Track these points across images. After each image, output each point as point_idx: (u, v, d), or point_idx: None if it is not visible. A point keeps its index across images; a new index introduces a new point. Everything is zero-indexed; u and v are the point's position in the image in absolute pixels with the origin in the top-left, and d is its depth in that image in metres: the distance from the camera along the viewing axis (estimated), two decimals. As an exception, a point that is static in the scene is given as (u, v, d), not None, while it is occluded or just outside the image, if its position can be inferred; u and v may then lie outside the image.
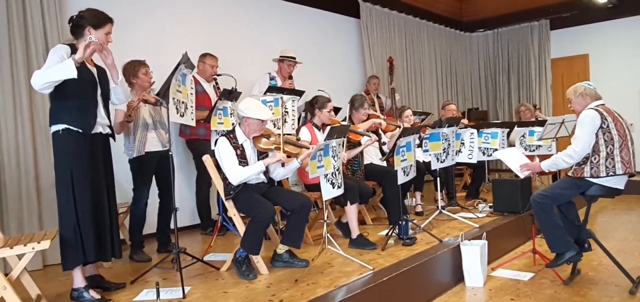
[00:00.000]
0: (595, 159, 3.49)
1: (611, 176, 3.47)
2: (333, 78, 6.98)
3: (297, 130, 4.54)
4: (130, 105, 3.83)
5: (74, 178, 2.99)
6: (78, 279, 3.08)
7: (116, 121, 3.92)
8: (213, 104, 4.43)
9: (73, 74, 2.79)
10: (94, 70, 3.15)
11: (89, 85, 3.08)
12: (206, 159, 3.71)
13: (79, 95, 3.00)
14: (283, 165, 3.70)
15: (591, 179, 3.52)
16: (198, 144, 4.81)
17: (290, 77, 5.50)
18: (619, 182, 3.55)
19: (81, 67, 2.89)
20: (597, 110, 3.52)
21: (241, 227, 3.61)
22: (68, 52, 2.96)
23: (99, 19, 3.09)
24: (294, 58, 5.52)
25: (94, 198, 3.06)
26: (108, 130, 3.23)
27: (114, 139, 3.33)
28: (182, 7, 5.38)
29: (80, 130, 3.01)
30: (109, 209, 3.20)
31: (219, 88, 4.95)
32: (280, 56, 5.53)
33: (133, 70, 4.00)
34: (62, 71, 2.80)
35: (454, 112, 6.51)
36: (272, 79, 5.38)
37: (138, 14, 4.97)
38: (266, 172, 3.74)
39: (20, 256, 2.91)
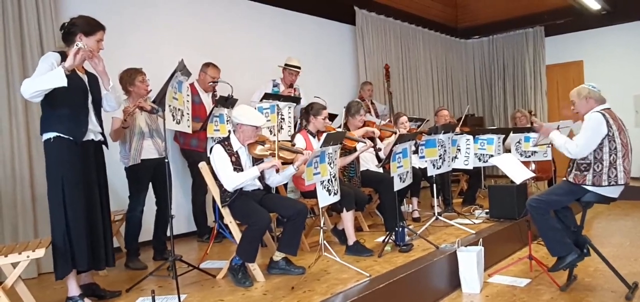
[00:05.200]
0: (598, 167, 3.48)
1: (613, 185, 3.47)
2: (329, 84, 6.98)
3: (292, 137, 4.54)
4: (126, 110, 3.82)
5: (66, 186, 2.96)
6: (73, 287, 3.06)
7: (112, 129, 3.91)
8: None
9: (63, 82, 2.75)
10: (85, 78, 3.12)
11: (80, 93, 3.05)
12: (202, 166, 3.71)
13: (69, 103, 2.97)
14: (278, 171, 3.69)
15: (589, 187, 3.53)
16: (191, 152, 4.81)
17: (291, 86, 5.45)
18: (614, 191, 3.55)
19: (71, 74, 2.85)
20: (604, 116, 3.48)
21: (237, 235, 3.60)
22: (58, 60, 2.92)
23: (91, 26, 3.07)
24: (298, 67, 5.49)
25: (87, 206, 3.03)
26: (100, 137, 3.20)
27: (107, 146, 3.31)
28: (180, 15, 5.38)
29: (72, 138, 2.99)
30: (102, 218, 3.17)
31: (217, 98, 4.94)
32: (285, 64, 5.50)
33: (130, 78, 3.99)
34: (51, 80, 2.77)
35: (447, 117, 6.52)
36: (275, 86, 5.34)
37: (135, 22, 4.97)
38: (262, 179, 3.74)
39: (14, 265, 2.90)
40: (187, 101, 3.75)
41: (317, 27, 7.08)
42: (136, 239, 4.11)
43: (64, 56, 2.95)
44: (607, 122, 3.46)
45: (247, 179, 3.57)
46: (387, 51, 8.11)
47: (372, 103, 6.91)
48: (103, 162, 3.26)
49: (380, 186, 4.84)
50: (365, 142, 4.67)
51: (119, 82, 3.99)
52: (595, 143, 3.46)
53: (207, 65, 4.94)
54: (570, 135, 4.00)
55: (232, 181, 3.52)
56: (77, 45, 2.86)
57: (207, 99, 4.93)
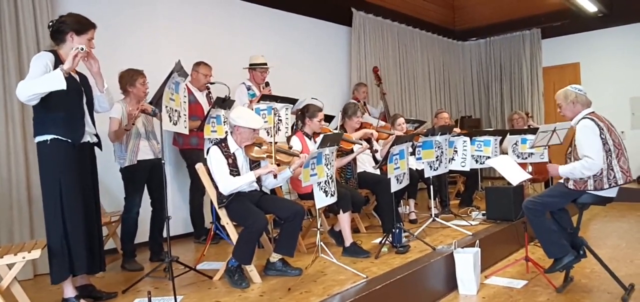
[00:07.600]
0: (599, 172, 3.48)
1: (613, 187, 3.48)
2: (325, 86, 6.99)
3: (288, 139, 4.54)
4: (131, 115, 3.82)
5: (63, 189, 2.91)
6: (68, 289, 3.05)
7: (111, 130, 3.90)
8: (205, 113, 4.42)
9: (62, 85, 2.71)
10: (78, 78, 3.08)
11: (76, 95, 3.00)
12: (199, 167, 3.70)
13: (66, 105, 2.92)
14: (275, 177, 3.69)
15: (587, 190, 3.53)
16: (191, 152, 4.79)
17: (267, 84, 5.23)
18: (612, 191, 3.56)
19: (67, 76, 2.80)
20: (592, 119, 3.51)
21: (234, 236, 3.60)
22: (52, 60, 2.87)
23: (82, 25, 2.99)
24: (265, 64, 5.25)
25: (84, 210, 3.00)
26: (95, 139, 3.17)
27: (100, 147, 3.27)
28: (176, 16, 5.38)
29: (69, 141, 2.94)
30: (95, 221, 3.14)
31: (211, 97, 4.94)
32: (250, 64, 5.27)
33: (131, 79, 3.98)
34: (50, 83, 2.72)
35: (447, 120, 6.54)
36: (249, 89, 5.16)
37: (132, 22, 4.96)
38: (258, 182, 3.74)
39: (10, 266, 2.89)
40: (184, 102, 3.74)
41: (314, 28, 7.08)
42: (132, 240, 4.10)
43: (56, 55, 2.91)
44: (598, 125, 3.49)
45: (242, 184, 3.56)
46: (385, 53, 8.12)
47: (364, 105, 6.90)
48: (95, 164, 3.22)
49: (377, 188, 4.84)
50: (361, 144, 4.68)
51: (118, 81, 3.98)
52: (599, 144, 3.45)
53: (198, 64, 4.92)
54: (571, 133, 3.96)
55: (228, 185, 3.52)
56: (78, 48, 2.80)
57: (202, 98, 4.92)
